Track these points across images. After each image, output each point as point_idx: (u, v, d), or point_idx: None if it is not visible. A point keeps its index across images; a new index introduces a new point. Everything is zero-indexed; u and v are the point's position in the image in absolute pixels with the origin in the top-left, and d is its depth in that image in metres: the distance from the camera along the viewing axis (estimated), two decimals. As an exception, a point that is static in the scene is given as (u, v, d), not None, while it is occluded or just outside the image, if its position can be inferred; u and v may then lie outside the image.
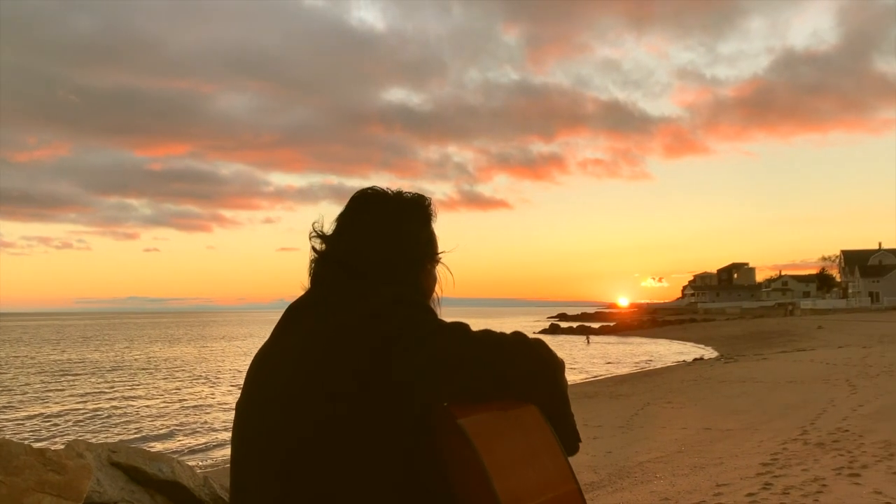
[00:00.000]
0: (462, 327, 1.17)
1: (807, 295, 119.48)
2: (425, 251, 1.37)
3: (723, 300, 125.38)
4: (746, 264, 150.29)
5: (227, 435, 17.11)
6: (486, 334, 1.17)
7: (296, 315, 1.29)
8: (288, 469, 1.13)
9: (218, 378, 32.96)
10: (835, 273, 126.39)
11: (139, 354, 52.06)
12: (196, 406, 23.12)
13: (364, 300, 1.20)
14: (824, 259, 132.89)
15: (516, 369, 1.14)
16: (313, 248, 1.37)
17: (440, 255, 1.40)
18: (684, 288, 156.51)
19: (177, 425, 19.36)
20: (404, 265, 1.32)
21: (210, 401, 24.39)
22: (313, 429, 1.12)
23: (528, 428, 1.10)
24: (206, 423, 19.63)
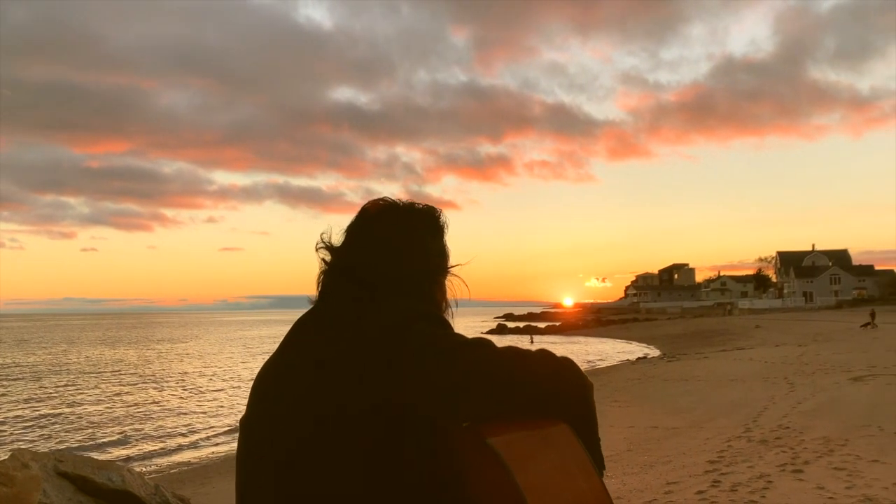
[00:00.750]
0: (486, 343, 1.14)
1: (744, 295, 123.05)
2: (439, 264, 1.34)
3: (664, 300, 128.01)
4: (687, 265, 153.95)
5: (178, 441, 16.86)
6: (513, 351, 1.14)
7: (307, 329, 1.24)
8: (302, 492, 1.09)
9: (165, 381, 32.16)
10: (771, 274, 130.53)
11: (80, 357, 50.37)
12: (144, 411, 22.52)
13: (380, 314, 1.17)
14: (761, 260, 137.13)
15: (549, 388, 1.12)
16: (323, 260, 1.32)
17: (453, 268, 1.37)
18: (627, 288, 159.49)
19: (125, 431, 18.81)
20: (418, 278, 1.29)
21: (158, 405, 23.78)
22: (330, 448, 1.08)
23: (560, 447, 1.07)
24: (155, 428, 19.12)
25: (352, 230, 1.33)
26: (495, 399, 1.08)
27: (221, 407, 23.07)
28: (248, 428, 1.22)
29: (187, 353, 51.43)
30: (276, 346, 1.28)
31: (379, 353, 1.10)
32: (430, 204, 1.36)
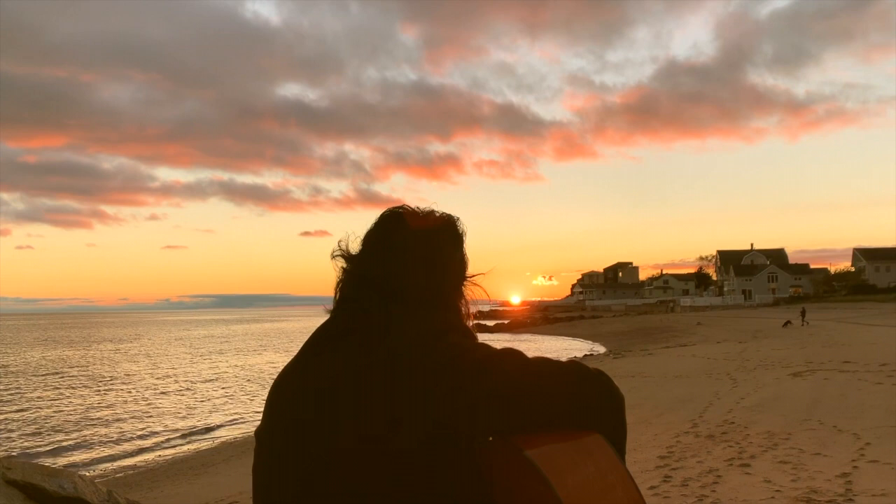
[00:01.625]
0: (517, 354, 1.13)
1: (686, 293, 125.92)
2: (460, 273, 1.32)
3: (609, 298, 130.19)
4: (631, 263, 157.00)
5: (128, 446, 16.44)
6: (545, 362, 1.14)
7: (331, 341, 1.21)
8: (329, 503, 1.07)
9: (112, 383, 31.25)
10: (711, 272, 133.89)
11: (19, 359, 48.54)
12: (92, 414, 21.83)
13: (409, 326, 1.15)
14: (702, 259, 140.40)
15: (582, 400, 1.12)
16: (343, 269, 1.29)
17: (474, 278, 1.35)
18: (573, 286, 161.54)
19: (72, 436, 18.21)
20: (443, 288, 1.27)
21: (106, 408, 23.08)
22: (358, 460, 1.06)
23: (597, 458, 1.07)
24: (103, 432, 18.54)
25: (372, 239, 1.30)
26: (529, 410, 1.08)
27: (171, 409, 22.57)
28: (270, 440, 1.19)
29: (133, 354, 50.06)
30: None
31: (411, 365, 1.09)
32: (448, 213, 1.35)
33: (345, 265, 1.30)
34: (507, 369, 1.10)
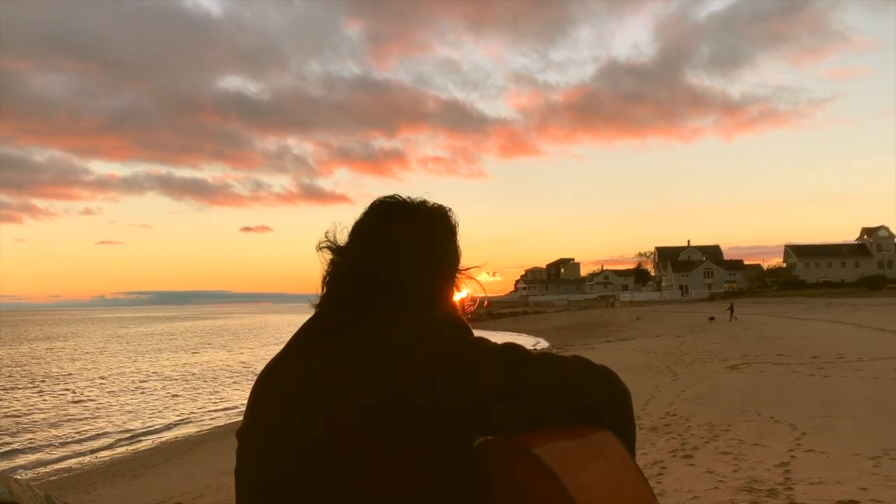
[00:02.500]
0: (521, 348, 1.09)
1: (626, 288, 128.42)
2: (455, 266, 1.28)
3: (551, 293, 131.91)
4: (572, 259, 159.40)
5: (65, 448, 15.89)
6: (550, 357, 1.10)
7: (319, 337, 1.16)
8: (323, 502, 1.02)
9: (45, 383, 30.11)
10: (650, 268, 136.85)
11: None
12: (25, 415, 20.97)
13: (403, 321, 1.11)
14: (641, 255, 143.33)
15: (589, 395, 1.08)
16: (331, 262, 1.23)
17: (470, 270, 1.31)
18: (517, 282, 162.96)
19: (7, 439, 17.39)
20: (438, 282, 1.23)
21: (41, 409, 22.20)
22: (350, 462, 1.02)
23: (608, 455, 1.03)
24: (41, 434, 17.78)
25: (362, 230, 1.25)
26: (534, 407, 1.05)
27: (110, 409, 21.88)
28: (252, 440, 1.14)
29: (69, 353, 48.31)
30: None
31: (410, 364, 1.05)
32: (439, 203, 1.30)
33: (332, 257, 1.24)
34: (511, 364, 1.06)
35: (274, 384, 1.16)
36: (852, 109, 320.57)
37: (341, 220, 1.27)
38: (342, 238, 1.25)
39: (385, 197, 1.29)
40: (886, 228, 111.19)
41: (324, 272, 1.24)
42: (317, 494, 1.03)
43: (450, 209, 1.30)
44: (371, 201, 1.28)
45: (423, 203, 1.28)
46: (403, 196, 1.28)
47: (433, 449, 1.03)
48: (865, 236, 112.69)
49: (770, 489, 5.79)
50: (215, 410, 20.80)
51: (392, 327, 1.11)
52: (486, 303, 1.38)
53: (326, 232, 1.26)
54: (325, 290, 1.23)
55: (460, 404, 1.03)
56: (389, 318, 1.13)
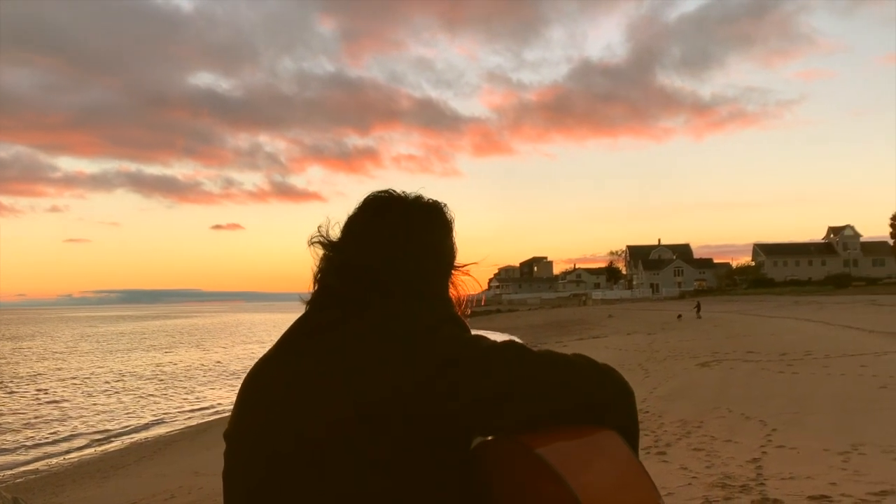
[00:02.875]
0: (523, 347, 1.06)
1: (598, 286, 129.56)
2: (451, 262, 1.24)
3: (525, 291, 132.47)
4: (545, 258, 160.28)
5: (33, 450, 15.59)
6: (552, 355, 1.06)
7: (312, 335, 1.12)
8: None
9: (12, 383, 29.37)
10: (621, 266, 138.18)
11: None
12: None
13: (401, 318, 1.08)
14: (612, 253, 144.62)
15: (593, 395, 1.05)
16: (324, 257, 1.20)
17: (465, 267, 1.27)
18: (490, 280, 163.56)
19: None
20: (433, 278, 1.20)
21: (9, 409, 21.63)
22: (350, 465, 0.98)
23: (612, 454, 1.01)
24: (7, 436, 17.34)
25: (356, 225, 1.21)
26: (538, 406, 1.01)
27: (79, 410, 21.49)
28: (239, 441, 1.10)
29: (36, 353, 47.36)
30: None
31: (410, 359, 1.01)
32: (436, 199, 1.26)
33: (325, 253, 1.20)
34: (513, 363, 1.03)
35: (263, 384, 1.12)
36: (819, 111, 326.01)
37: (334, 215, 1.23)
38: (335, 233, 1.22)
39: (379, 191, 1.25)
40: (852, 228, 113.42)
41: (316, 268, 1.21)
42: (308, 497, 1.00)
43: (445, 204, 1.27)
44: (365, 196, 1.25)
45: (419, 198, 1.25)
46: (398, 191, 1.25)
47: (431, 449, 1.00)
48: (832, 235, 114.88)
49: (743, 485, 5.86)
50: (188, 410, 20.55)
51: (388, 324, 1.07)
52: (483, 301, 1.35)
53: (319, 226, 1.22)
54: (316, 287, 1.20)
55: (460, 404, 1.00)
56: (385, 315, 1.09)
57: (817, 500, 5.30)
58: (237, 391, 1.18)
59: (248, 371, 1.18)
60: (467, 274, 1.28)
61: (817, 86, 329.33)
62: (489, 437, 1.07)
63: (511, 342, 1.07)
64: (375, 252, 1.17)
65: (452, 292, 1.24)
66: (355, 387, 1.01)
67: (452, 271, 1.25)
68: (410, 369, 1.01)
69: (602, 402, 1.06)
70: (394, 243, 1.17)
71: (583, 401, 1.04)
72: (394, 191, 1.25)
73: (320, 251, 1.21)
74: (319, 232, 1.22)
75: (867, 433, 7.46)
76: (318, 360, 1.07)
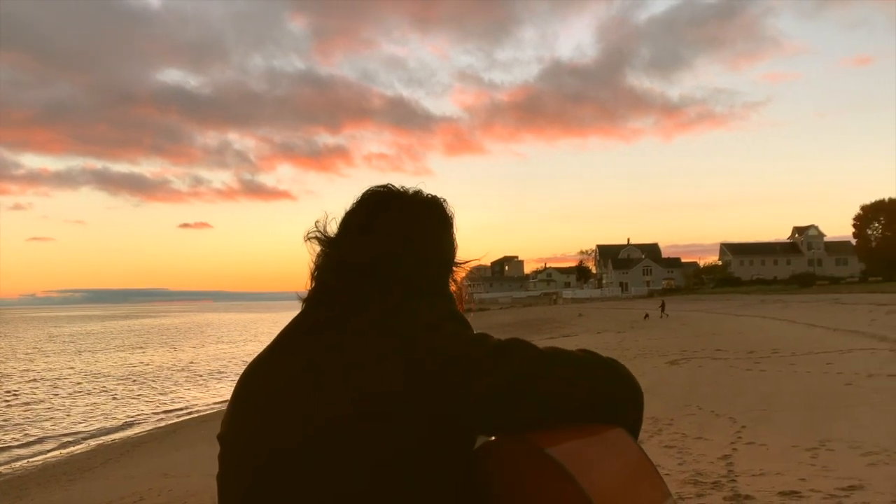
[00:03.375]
0: (528, 344, 1.03)
1: (568, 285, 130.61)
2: (451, 259, 1.21)
3: (496, 290, 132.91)
4: (516, 257, 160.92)
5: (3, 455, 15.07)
6: (559, 352, 1.04)
7: (310, 334, 1.08)
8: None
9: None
10: (591, 265, 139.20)
11: None
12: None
13: (402, 315, 1.05)
14: (582, 253, 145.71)
15: (603, 392, 1.02)
16: (321, 254, 1.16)
17: (465, 264, 1.24)
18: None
19: None
20: (434, 274, 1.16)
21: None
22: (349, 464, 0.95)
23: (622, 453, 0.99)
24: None
25: (353, 220, 1.17)
26: (545, 405, 0.99)
27: (45, 411, 21.07)
28: (234, 443, 1.06)
29: (1, 353, 46.44)
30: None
31: (413, 357, 0.98)
32: (435, 194, 1.23)
33: (322, 249, 1.17)
34: (520, 361, 1.00)
35: (259, 384, 1.08)
36: (784, 112, 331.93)
37: (332, 211, 1.20)
38: (332, 229, 1.18)
39: (377, 186, 1.22)
40: (816, 228, 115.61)
41: (312, 265, 1.17)
42: (307, 496, 0.96)
43: (445, 200, 1.24)
44: (363, 190, 1.21)
45: (418, 193, 1.22)
46: (397, 186, 1.22)
47: (433, 449, 0.96)
48: (797, 235, 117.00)
49: (714, 482, 5.93)
50: (157, 412, 20.26)
51: (388, 322, 1.04)
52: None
53: (316, 222, 1.19)
54: (313, 284, 1.16)
55: (464, 403, 0.97)
56: (385, 312, 1.06)
57: (787, 495, 5.38)
58: (231, 392, 1.13)
59: (241, 372, 1.14)
60: (468, 271, 1.25)
61: (783, 87, 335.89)
62: (495, 437, 1.04)
63: (516, 339, 1.04)
64: (374, 248, 1.13)
65: (453, 289, 1.21)
66: (355, 384, 0.98)
67: (453, 268, 1.22)
68: (412, 367, 0.98)
69: (611, 399, 1.04)
70: (393, 239, 1.14)
71: (591, 399, 1.02)
72: (393, 185, 1.22)
73: (317, 247, 1.18)
74: (316, 227, 1.18)
75: (834, 429, 7.59)
76: (316, 358, 1.04)
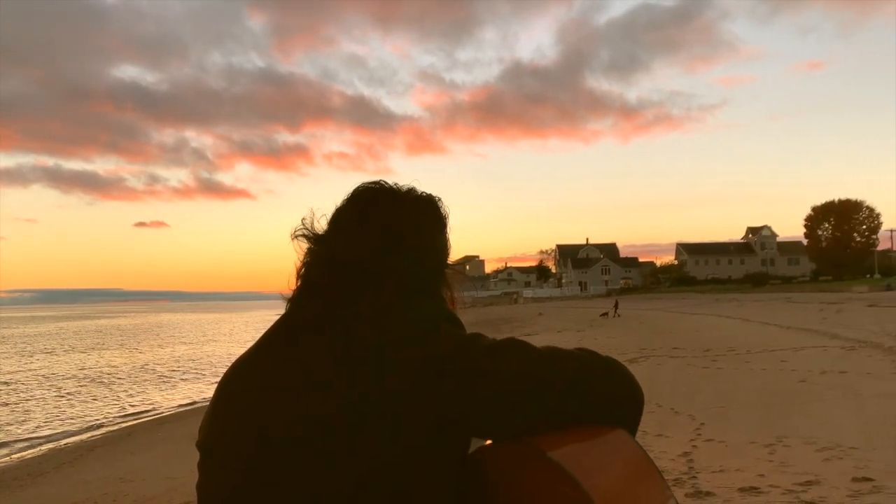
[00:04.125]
0: (525, 344, 1.00)
1: (528, 285, 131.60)
2: (444, 259, 1.18)
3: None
4: (477, 257, 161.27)
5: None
6: (558, 351, 1.01)
7: (297, 334, 1.04)
8: None
9: None
10: (551, 265, 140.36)
11: None
12: None
13: (394, 315, 1.01)
14: (542, 252, 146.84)
15: (604, 393, 0.99)
16: (309, 251, 1.12)
17: (457, 263, 1.21)
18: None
19: None
20: (427, 275, 1.13)
21: None
22: (342, 467, 0.91)
23: (624, 455, 0.97)
24: None
25: (343, 217, 1.14)
26: (544, 407, 0.96)
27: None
28: (215, 449, 1.02)
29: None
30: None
31: (406, 358, 0.95)
32: (430, 193, 1.20)
33: (310, 247, 1.13)
34: (517, 361, 0.97)
35: (243, 386, 1.04)
36: (739, 115, 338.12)
37: (320, 207, 1.16)
38: (321, 227, 1.14)
39: (369, 182, 1.18)
40: (769, 228, 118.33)
41: (299, 263, 1.13)
42: (293, 498, 0.93)
43: (439, 199, 1.21)
44: (354, 186, 1.18)
45: (412, 191, 1.19)
46: (389, 182, 1.18)
47: (423, 452, 0.93)
48: (750, 235, 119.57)
49: (676, 479, 6.00)
50: (113, 414, 19.78)
51: (380, 321, 1.01)
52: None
53: (303, 219, 1.15)
54: (300, 283, 1.12)
55: (462, 405, 0.94)
56: (377, 311, 1.02)
57: (747, 491, 5.47)
58: (213, 393, 1.09)
59: (222, 375, 1.09)
60: (461, 272, 1.21)
61: (738, 91, 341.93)
62: (492, 441, 1.01)
63: (513, 339, 1.01)
64: (364, 246, 1.09)
65: (445, 291, 1.17)
66: (345, 386, 0.94)
67: (446, 269, 1.18)
68: (406, 369, 0.94)
69: (612, 399, 1.01)
70: (384, 238, 1.10)
71: (593, 399, 0.99)
72: (385, 182, 1.18)
73: (305, 245, 1.14)
74: (304, 224, 1.14)
75: (790, 426, 7.77)
76: (302, 359, 1.00)
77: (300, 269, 1.13)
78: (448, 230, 1.21)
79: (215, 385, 1.11)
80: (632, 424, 1.03)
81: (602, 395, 1.00)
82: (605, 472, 0.93)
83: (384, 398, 0.93)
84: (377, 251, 1.09)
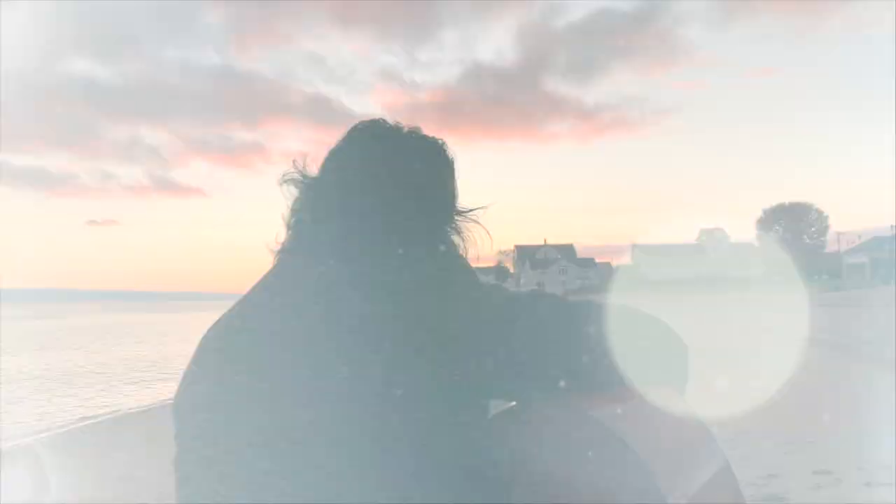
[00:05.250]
0: (551, 296, 0.91)
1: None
2: (454, 206, 1.06)
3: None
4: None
5: None
6: (591, 304, 0.90)
7: (288, 284, 0.91)
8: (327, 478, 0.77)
9: None
10: (510, 266, 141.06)
11: None
12: None
13: (401, 265, 0.89)
14: (501, 253, 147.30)
15: (644, 348, 0.90)
16: (301, 198, 0.99)
17: (471, 212, 1.07)
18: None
19: None
20: (435, 222, 1.01)
21: None
22: (376, 428, 0.78)
23: (673, 413, 0.90)
24: None
25: (341, 157, 1.01)
26: (576, 363, 0.85)
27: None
28: (198, 415, 0.86)
29: None
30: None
31: (423, 313, 0.84)
32: (435, 136, 1.07)
33: (301, 192, 0.99)
34: (546, 313, 0.87)
35: (233, 345, 0.90)
36: (693, 120, 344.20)
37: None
38: (313, 170, 1.01)
39: (368, 121, 1.05)
40: (722, 230, 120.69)
41: (288, 211, 1.00)
42: (293, 467, 0.80)
43: (444, 142, 1.08)
44: (351, 126, 1.04)
45: (416, 130, 1.06)
46: (390, 121, 1.05)
47: (453, 413, 0.82)
48: (703, 237, 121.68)
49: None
50: (61, 417, 19.22)
51: (385, 273, 0.89)
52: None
53: (294, 161, 1.01)
54: (290, 233, 0.99)
55: (480, 361, 0.83)
56: (381, 262, 0.90)
57: (710, 484, 5.49)
58: (192, 354, 0.94)
59: (202, 339, 0.93)
60: (474, 220, 1.07)
61: (692, 95, 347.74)
62: (528, 400, 0.91)
63: (538, 291, 0.92)
64: (366, 189, 0.96)
65: (460, 241, 1.05)
66: (342, 344, 0.82)
67: (458, 217, 1.06)
68: (415, 323, 0.83)
69: (660, 354, 0.92)
70: (389, 180, 0.97)
71: (636, 354, 0.89)
72: (385, 120, 1.05)
73: (294, 192, 1.00)
74: (295, 167, 1.01)
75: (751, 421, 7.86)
76: (294, 315, 0.87)
77: (289, 218, 1.00)
78: (455, 177, 1.09)
79: (174, 385, 0.95)
80: (680, 381, 0.93)
81: (648, 350, 0.91)
82: (654, 432, 0.87)
83: (388, 356, 0.82)
84: (379, 195, 0.96)
